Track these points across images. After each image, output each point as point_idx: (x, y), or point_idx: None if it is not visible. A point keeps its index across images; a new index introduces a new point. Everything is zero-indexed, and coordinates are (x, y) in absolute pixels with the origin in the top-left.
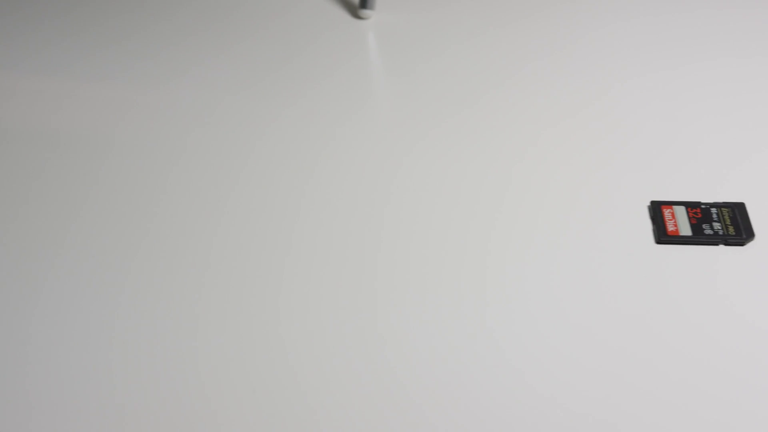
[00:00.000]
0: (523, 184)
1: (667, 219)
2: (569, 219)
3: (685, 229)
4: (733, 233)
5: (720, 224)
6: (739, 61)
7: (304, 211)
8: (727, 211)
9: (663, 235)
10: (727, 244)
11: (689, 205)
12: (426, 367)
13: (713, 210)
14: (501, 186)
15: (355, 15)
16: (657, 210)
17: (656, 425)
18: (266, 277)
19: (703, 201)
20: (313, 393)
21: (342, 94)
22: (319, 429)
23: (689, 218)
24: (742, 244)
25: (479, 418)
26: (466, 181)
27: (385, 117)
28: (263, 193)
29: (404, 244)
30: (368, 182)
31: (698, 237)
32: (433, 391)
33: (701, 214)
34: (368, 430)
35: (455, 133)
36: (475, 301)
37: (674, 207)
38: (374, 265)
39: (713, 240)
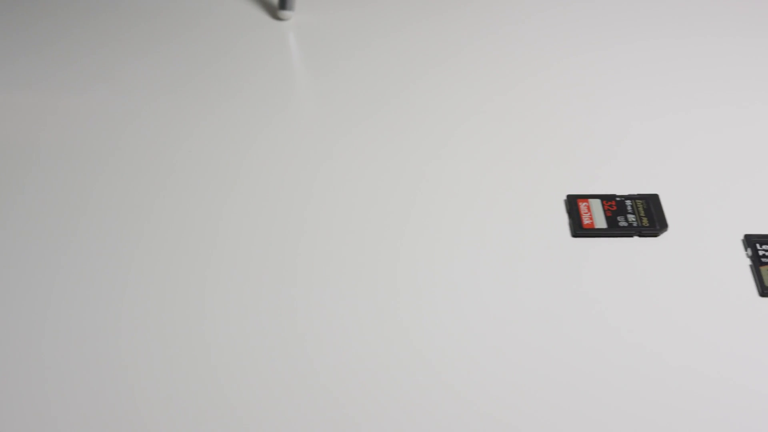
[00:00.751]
0: (440, 180)
1: (582, 212)
2: (486, 214)
3: (601, 222)
4: (647, 224)
5: (634, 216)
6: (651, 49)
7: (228, 211)
8: (642, 203)
9: (579, 229)
10: (641, 235)
11: (605, 198)
12: (342, 362)
13: (628, 202)
14: (419, 182)
15: (275, 16)
16: (573, 204)
17: (569, 419)
18: (191, 279)
19: (618, 194)
20: (235, 391)
21: (264, 96)
22: (240, 425)
23: (604, 211)
24: (656, 235)
25: (395, 412)
26: (386, 177)
27: (307, 116)
28: (189, 195)
29: (325, 241)
30: (291, 182)
31: (613, 229)
32: (351, 387)
33: (616, 207)
34: (289, 427)
35: (375, 130)
36: (393, 296)
37: (590, 200)
38: (295, 262)
39: (628, 232)
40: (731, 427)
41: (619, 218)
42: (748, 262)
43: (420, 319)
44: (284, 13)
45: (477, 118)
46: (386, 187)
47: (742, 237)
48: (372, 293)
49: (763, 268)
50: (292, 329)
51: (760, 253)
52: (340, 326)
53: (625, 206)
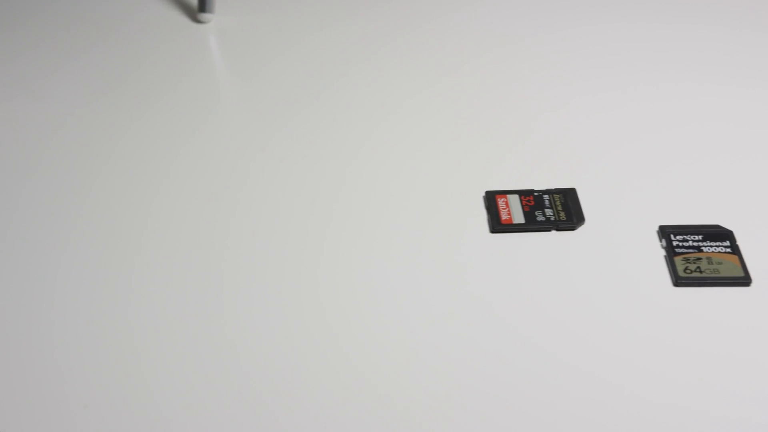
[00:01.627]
0: (361, 180)
1: (501, 208)
2: (406, 213)
3: (519, 217)
4: (565, 218)
5: (552, 210)
6: (560, 41)
7: (154, 220)
8: (559, 197)
9: (497, 224)
10: (558, 229)
11: (522, 193)
12: (268, 363)
13: (545, 197)
14: (340, 182)
15: (195, 19)
16: (491, 200)
17: (475, 419)
18: (115, 290)
19: (536, 188)
20: (161, 392)
21: (188, 101)
22: (161, 419)
23: (522, 206)
24: (573, 229)
25: (316, 411)
26: (309, 178)
27: (232, 119)
28: (114, 205)
29: (250, 242)
30: (218, 186)
31: (531, 224)
32: (276, 386)
33: (534, 202)
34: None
35: (299, 132)
36: (314, 295)
37: (508, 196)
38: (221, 263)
39: (545, 226)
40: (648, 413)
41: (536, 213)
42: (662, 252)
43: (340, 316)
44: (204, 16)
45: (396, 117)
46: (311, 188)
47: (656, 228)
48: (292, 293)
49: (676, 258)
50: (219, 332)
51: (674, 243)
52: (261, 321)
53: (543, 201)
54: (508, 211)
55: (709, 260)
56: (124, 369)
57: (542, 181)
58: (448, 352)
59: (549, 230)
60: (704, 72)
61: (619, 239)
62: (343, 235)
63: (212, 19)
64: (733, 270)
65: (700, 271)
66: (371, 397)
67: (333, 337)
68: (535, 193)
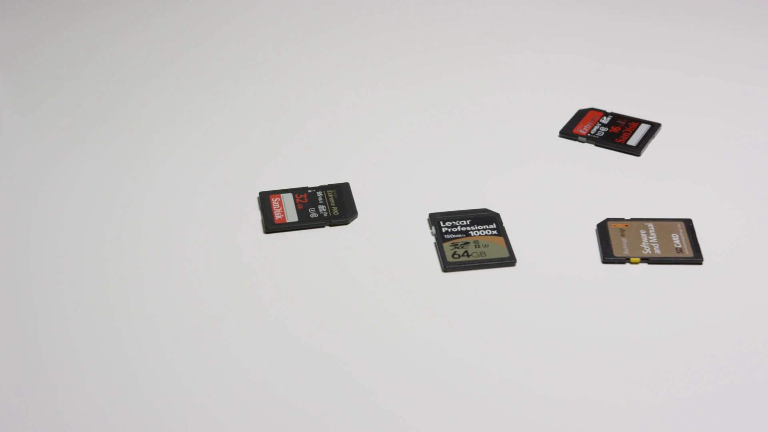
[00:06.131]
0: (146, 187)
1: (275, 208)
2: (182, 218)
3: (292, 216)
4: (338, 213)
5: (325, 206)
6: (337, 37)
7: None
8: (332, 193)
9: (271, 225)
10: (331, 224)
11: (296, 192)
12: (67, 358)
13: (319, 193)
14: (126, 189)
15: None
16: (265, 200)
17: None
18: None
19: (310, 186)
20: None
21: None
22: None
23: (296, 204)
24: (346, 223)
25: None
26: (97, 187)
27: (12, 137)
28: None
29: (53, 253)
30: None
31: (304, 222)
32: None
33: (307, 199)
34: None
35: (83, 141)
36: (104, 298)
37: (282, 195)
38: (26, 276)
39: (319, 222)
40: (421, 398)
41: (310, 210)
42: (433, 240)
43: (124, 317)
44: None
45: (170, 123)
46: (98, 197)
47: (427, 216)
48: (83, 300)
49: (445, 244)
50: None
51: (444, 229)
52: (69, 320)
53: (317, 197)
54: (282, 210)
55: (477, 243)
56: None
57: (318, 178)
58: (224, 354)
59: (323, 226)
60: (467, 53)
61: (391, 230)
62: (130, 241)
63: None
64: (499, 251)
65: (468, 255)
66: (150, 396)
67: (114, 337)
68: (309, 191)
